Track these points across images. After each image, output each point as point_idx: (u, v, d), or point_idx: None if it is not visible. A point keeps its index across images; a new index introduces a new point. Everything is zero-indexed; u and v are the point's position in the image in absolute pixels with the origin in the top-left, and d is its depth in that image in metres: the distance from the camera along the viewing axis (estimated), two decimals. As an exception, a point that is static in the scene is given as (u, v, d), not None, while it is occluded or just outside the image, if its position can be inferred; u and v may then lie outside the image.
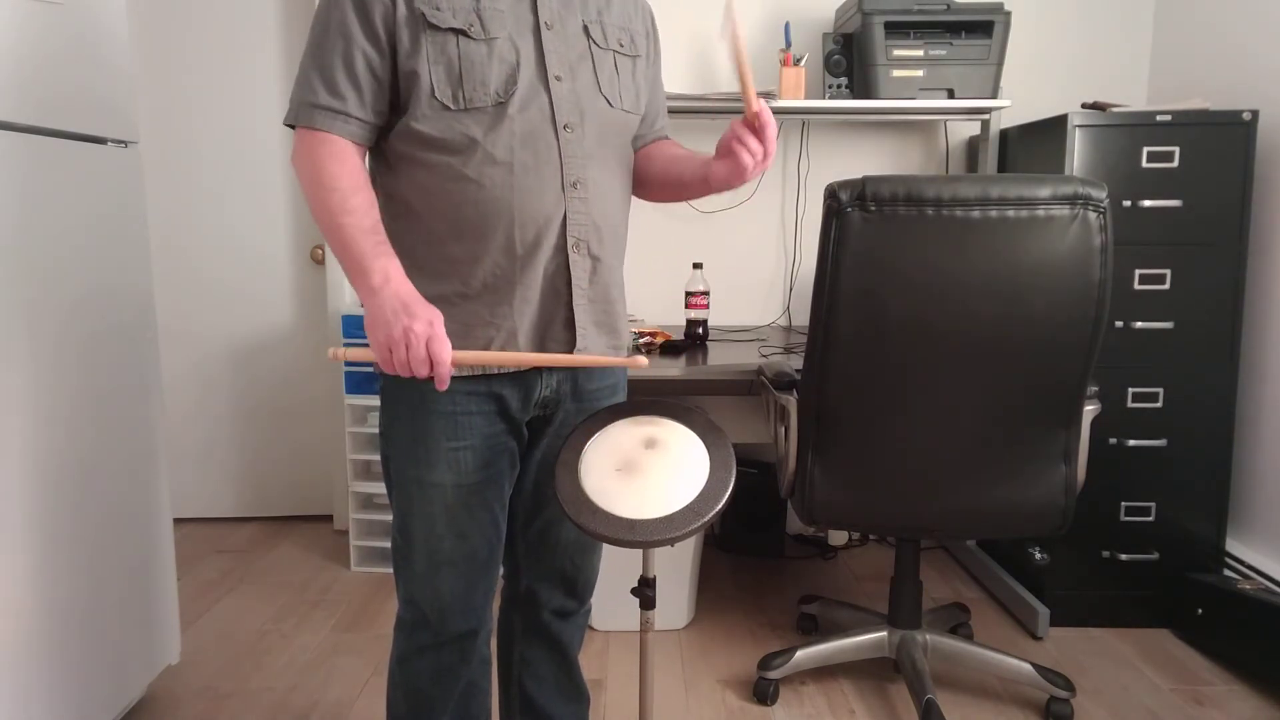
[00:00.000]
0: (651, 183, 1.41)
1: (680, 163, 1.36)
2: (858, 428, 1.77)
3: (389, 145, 1.21)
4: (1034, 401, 1.71)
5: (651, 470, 1.16)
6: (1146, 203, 2.21)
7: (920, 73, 2.53)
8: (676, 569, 2.32)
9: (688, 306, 2.50)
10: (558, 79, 1.20)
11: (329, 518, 3.20)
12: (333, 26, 1.15)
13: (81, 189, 1.70)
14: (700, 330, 2.51)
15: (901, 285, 1.63)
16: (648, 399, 1.30)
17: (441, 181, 1.17)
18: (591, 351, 1.29)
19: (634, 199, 1.42)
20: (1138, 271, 2.23)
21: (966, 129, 2.90)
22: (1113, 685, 2.07)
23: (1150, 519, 2.31)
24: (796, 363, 2.02)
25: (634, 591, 1.31)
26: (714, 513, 1.13)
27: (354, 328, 2.68)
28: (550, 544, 1.39)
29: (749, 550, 2.90)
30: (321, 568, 2.79)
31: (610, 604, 2.25)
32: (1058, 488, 1.78)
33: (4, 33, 1.47)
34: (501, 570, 1.38)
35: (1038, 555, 2.34)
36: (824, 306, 1.68)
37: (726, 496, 1.15)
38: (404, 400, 1.25)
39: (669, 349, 2.35)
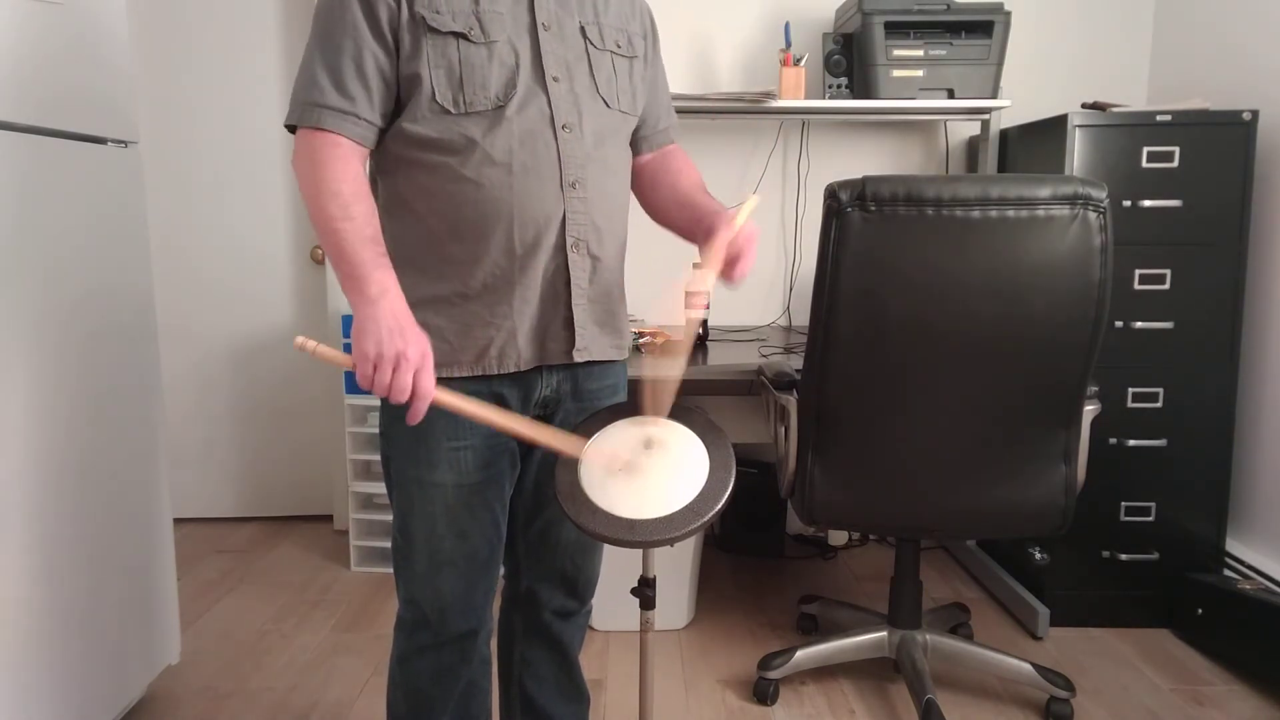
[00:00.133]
0: (654, 214, 1.42)
1: (681, 210, 1.34)
2: (858, 428, 1.77)
3: (386, 147, 1.20)
4: (1034, 401, 1.71)
5: (651, 470, 1.16)
6: (1146, 203, 2.21)
7: (920, 73, 2.53)
8: (676, 569, 2.32)
9: (687, 306, 2.50)
10: (555, 80, 1.19)
11: (329, 518, 3.20)
12: (340, 26, 1.13)
13: (81, 189, 1.70)
14: (700, 330, 2.50)
15: (901, 285, 1.63)
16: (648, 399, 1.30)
17: (441, 182, 1.17)
18: (593, 350, 1.29)
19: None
20: (1138, 271, 2.23)
21: (966, 129, 2.90)
22: (1113, 685, 2.07)
23: (1150, 519, 2.31)
24: (796, 363, 2.02)
25: (634, 591, 1.31)
26: (714, 513, 1.13)
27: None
28: (551, 544, 1.39)
29: (749, 550, 2.90)
30: (321, 568, 2.79)
31: (610, 604, 2.25)
32: (1058, 488, 1.78)
33: (4, 33, 1.47)
34: (502, 570, 1.38)
35: (1038, 555, 2.34)
36: (824, 306, 1.68)
37: (726, 496, 1.15)
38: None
39: (669, 349, 2.35)
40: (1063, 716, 1.91)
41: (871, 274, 1.64)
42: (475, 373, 1.22)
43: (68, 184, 1.65)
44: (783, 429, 1.88)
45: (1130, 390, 2.27)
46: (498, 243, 1.18)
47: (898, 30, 2.49)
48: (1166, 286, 2.24)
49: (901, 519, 1.84)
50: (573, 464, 1.19)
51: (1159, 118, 2.20)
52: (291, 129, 1.17)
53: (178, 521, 3.17)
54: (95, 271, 1.74)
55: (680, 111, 2.73)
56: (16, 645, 1.51)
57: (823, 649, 2.04)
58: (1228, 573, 2.29)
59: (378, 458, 2.68)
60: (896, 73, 2.52)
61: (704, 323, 2.52)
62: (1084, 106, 2.34)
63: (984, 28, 2.49)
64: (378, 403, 1.42)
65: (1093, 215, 1.59)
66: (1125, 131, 2.21)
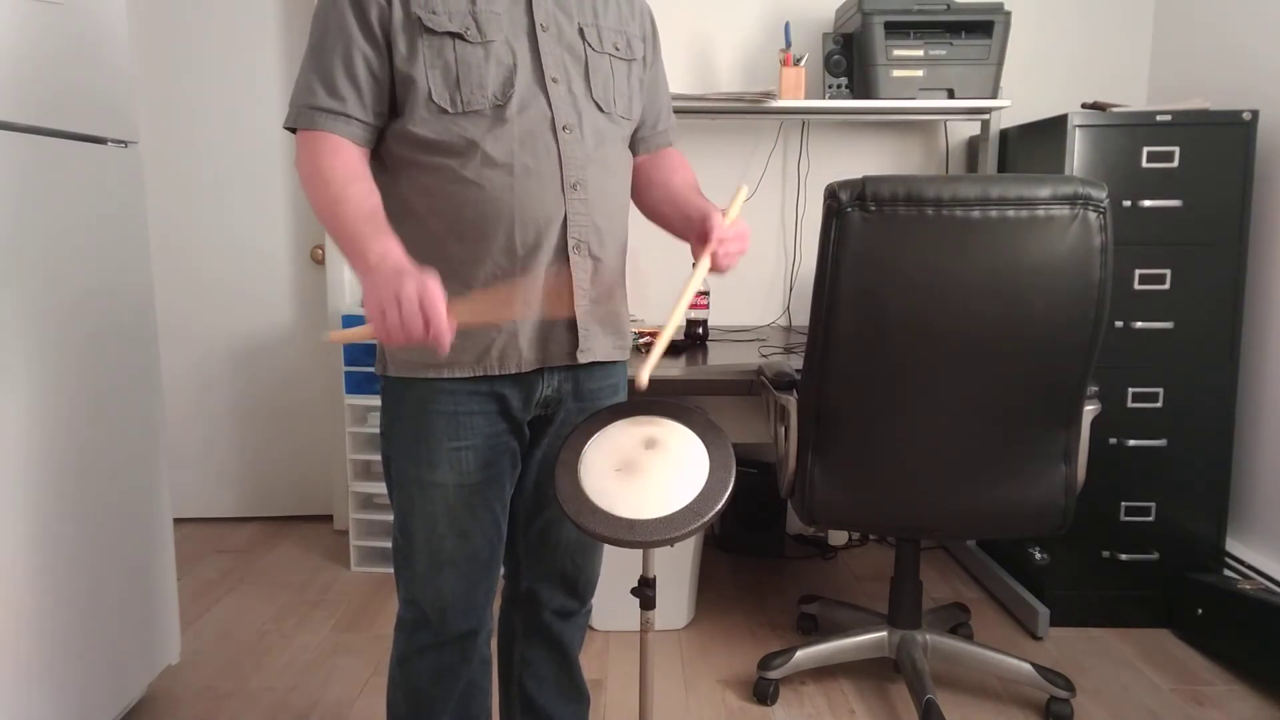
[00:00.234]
0: (646, 210, 1.42)
1: (674, 208, 1.34)
2: (858, 428, 1.77)
3: (387, 148, 1.21)
4: (1034, 401, 1.71)
5: (651, 470, 1.16)
6: (1146, 203, 2.21)
7: (920, 73, 2.53)
8: (676, 569, 2.32)
9: (688, 306, 2.50)
10: (554, 81, 1.20)
11: (329, 518, 3.20)
12: (331, 28, 1.15)
13: (81, 189, 1.70)
14: (700, 330, 2.51)
15: (901, 285, 1.63)
16: (648, 399, 1.30)
17: (442, 183, 1.17)
18: (596, 351, 1.29)
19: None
20: (1138, 271, 2.23)
21: (966, 129, 2.90)
22: (1113, 685, 2.07)
23: (1150, 519, 2.31)
24: (796, 363, 2.02)
25: (634, 591, 1.31)
26: (714, 513, 1.13)
27: (354, 327, 2.67)
28: (551, 544, 1.39)
29: (749, 550, 2.90)
30: (321, 568, 2.79)
31: (610, 604, 2.25)
32: (1058, 488, 1.78)
33: (4, 33, 1.47)
34: (502, 570, 1.38)
35: (1038, 555, 2.34)
36: (824, 306, 1.68)
37: (726, 496, 1.15)
38: (405, 400, 1.25)
39: (669, 349, 2.35)
40: (1063, 716, 1.91)
41: (871, 274, 1.64)
42: (476, 373, 1.22)
43: (68, 184, 1.65)
44: (783, 429, 1.88)
45: (1130, 390, 2.27)
46: (499, 244, 1.18)
47: (898, 30, 2.49)
48: (1166, 286, 2.24)
49: (901, 519, 1.84)
50: (573, 464, 1.19)
51: (1159, 118, 2.20)
52: (293, 131, 1.18)
53: (178, 521, 3.17)
54: (95, 271, 1.74)
55: (680, 111, 2.73)
56: (16, 645, 1.51)
57: (823, 649, 2.04)
58: (1228, 573, 2.29)
59: (378, 458, 2.69)
60: (896, 73, 2.52)
61: (704, 323, 2.52)
62: (1084, 106, 2.34)
63: (984, 28, 2.49)
64: (378, 403, 1.42)
65: (1093, 215, 1.59)
66: (1125, 131, 2.21)
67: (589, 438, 1.23)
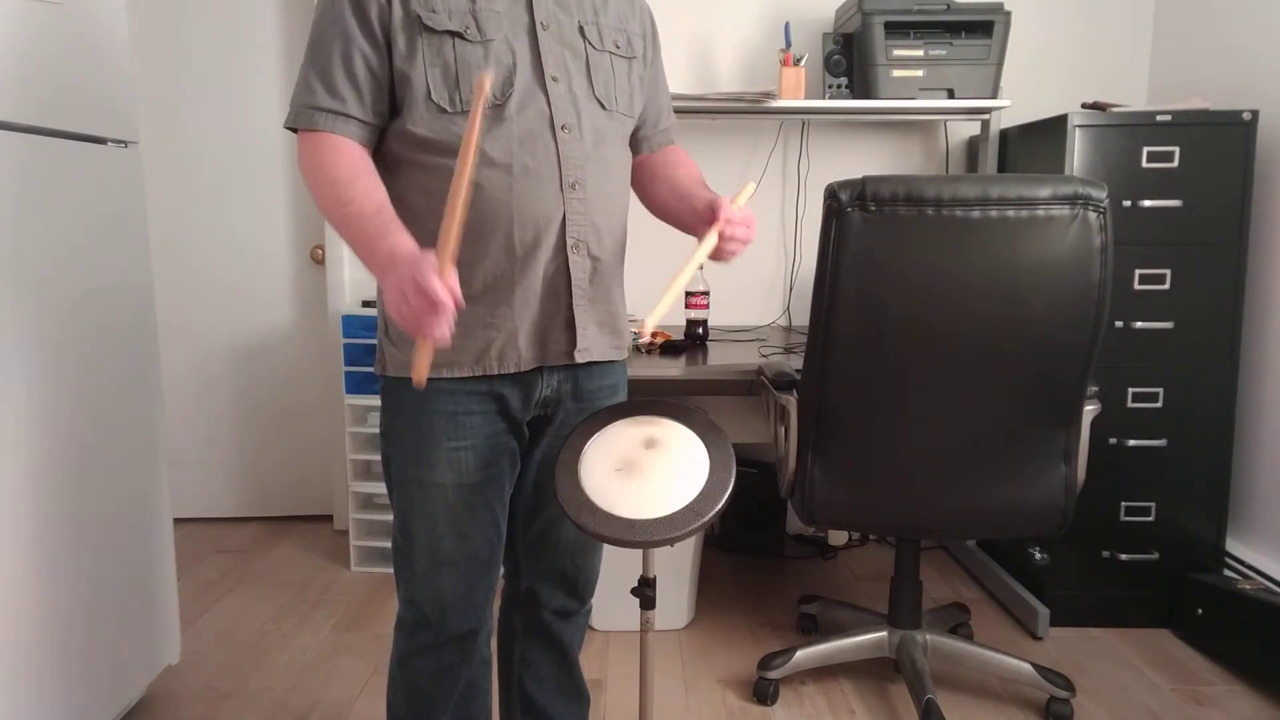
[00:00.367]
0: (652, 206, 1.42)
1: (682, 202, 1.34)
2: (858, 428, 1.77)
3: (387, 147, 1.21)
4: (1034, 401, 1.71)
5: (651, 470, 1.16)
6: (1146, 203, 2.21)
7: (920, 73, 2.53)
8: (676, 569, 2.32)
9: (688, 306, 2.51)
10: (554, 80, 1.20)
11: (329, 518, 3.20)
12: (331, 28, 1.15)
13: (81, 189, 1.70)
14: (700, 330, 2.51)
15: (901, 285, 1.63)
16: (648, 399, 1.30)
17: (440, 183, 1.17)
18: (594, 352, 1.29)
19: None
20: (1138, 271, 2.23)
21: (966, 129, 2.90)
22: (1113, 685, 2.07)
23: (1150, 519, 2.31)
24: (796, 363, 2.02)
25: (634, 591, 1.31)
26: (714, 513, 1.13)
27: (354, 327, 2.68)
28: (551, 544, 1.39)
29: (749, 550, 2.90)
30: (321, 568, 2.79)
31: (610, 604, 2.25)
32: (1058, 488, 1.78)
33: (4, 33, 1.47)
34: (502, 570, 1.38)
35: (1038, 555, 2.34)
36: (824, 306, 1.68)
37: (726, 496, 1.15)
38: (405, 400, 1.25)
39: (669, 349, 2.35)
40: (1063, 716, 1.91)
41: (871, 274, 1.64)
42: (475, 373, 1.22)
43: (68, 184, 1.65)
44: (783, 429, 1.88)
45: (1130, 390, 2.27)
46: (497, 243, 1.18)
47: (898, 30, 2.49)
48: (1166, 286, 2.24)
49: (901, 519, 1.84)
50: (573, 464, 1.19)
51: (1159, 118, 2.20)
52: (294, 131, 1.18)
53: (178, 521, 3.17)
54: (95, 271, 1.74)
55: (680, 111, 2.73)
56: (17, 645, 1.51)
57: (823, 649, 2.04)
58: (1228, 573, 2.29)
59: (378, 458, 2.69)
60: (896, 73, 2.52)
61: (704, 323, 2.52)
62: (1084, 106, 2.34)
63: (984, 28, 2.49)
64: (378, 403, 1.42)
65: (1093, 215, 1.59)
66: (1125, 131, 2.21)
67: (589, 438, 1.23)
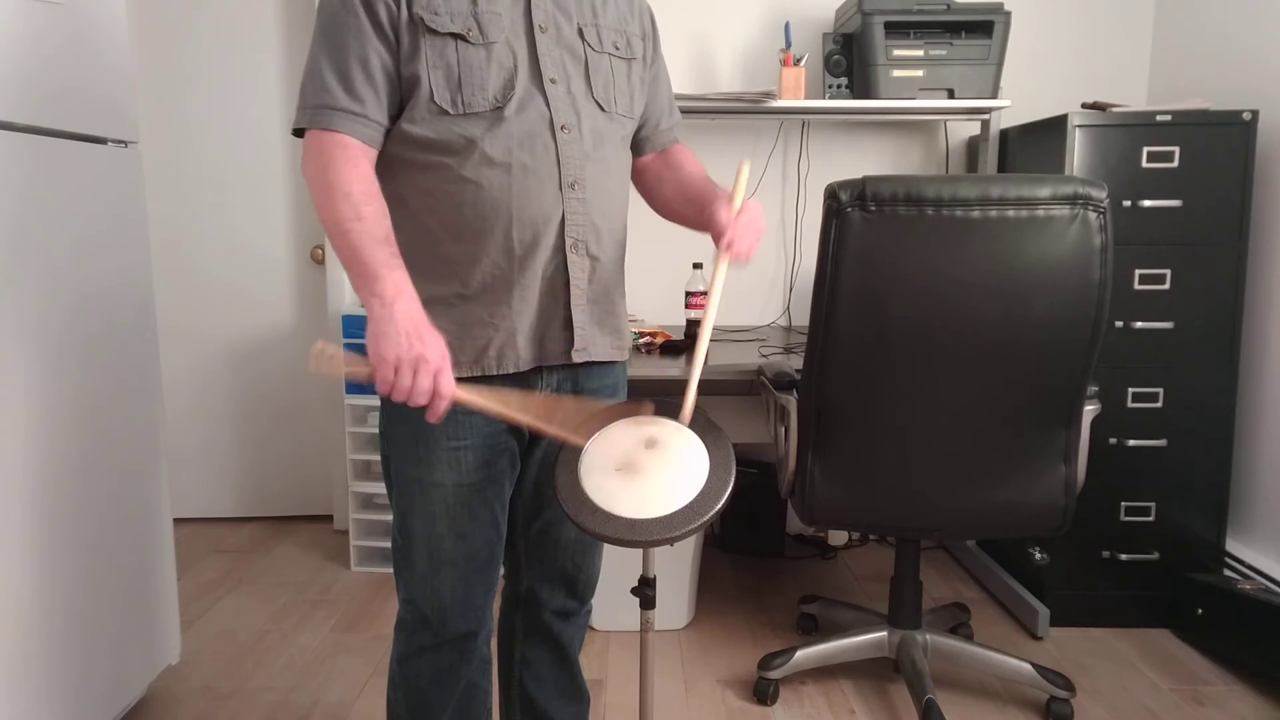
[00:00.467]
0: (660, 205, 1.42)
1: (688, 204, 1.35)
2: (858, 428, 1.77)
3: (385, 147, 1.20)
4: (1034, 401, 1.71)
5: (651, 470, 1.16)
6: (1146, 203, 2.21)
7: (920, 73, 2.53)
8: (676, 569, 2.32)
9: (688, 306, 2.50)
10: (553, 82, 1.19)
11: (329, 518, 3.20)
12: (344, 28, 1.13)
13: (81, 189, 1.70)
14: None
15: (901, 285, 1.63)
16: (647, 399, 1.30)
17: (439, 183, 1.17)
18: (593, 352, 1.29)
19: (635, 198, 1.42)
20: (1138, 271, 2.23)
21: (966, 129, 2.90)
22: (1113, 685, 2.07)
23: (1150, 519, 2.31)
24: (796, 363, 2.02)
25: (634, 591, 1.31)
26: (714, 513, 1.13)
27: (354, 327, 2.68)
28: (551, 544, 1.39)
29: (749, 550, 2.90)
30: (321, 568, 2.79)
31: (610, 604, 2.25)
32: (1058, 488, 1.78)
33: (4, 32, 1.47)
34: (502, 570, 1.38)
35: (1038, 555, 2.34)
36: (824, 306, 1.68)
37: (726, 496, 1.15)
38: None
39: (669, 349, 2.35)
40: (1063, 716, 1.91)
41: (871, 274, 1.64)
42: (474, 373, 1.22)
43: (68, 184, 1.65)
44: (783, 429, 1.88)
45: (1130, 390, 2.27)
46: (496, 243, 1.18)
47: (898, 30, 2.49)
48: (1166, 286, 2.24)
49: (901, 519, 1.84)
50: (573, 464, 1.19)
51: (1159, 118, 2.20)
52: (298, 133, 1.16)
53: (178, 521, 3.17)
54: (95, 272, 1.74)
55: (680, 111, 2.73)
56: (16, 645, 1.51)
57: (823, 649, 2.04)
58: (1228, 573, 2.29)
59: (378, 458, 2.69)
60: (896, 73, 2.52)
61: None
62: (1084, 106, 2.34)
63: (984, 28, 2.49)
64: (378, 402, 1.42)
65: (1093, 215, 1.59)
66: (1125, 131, 2.21)
67: (589, 437, 1.23)
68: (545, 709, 1.48)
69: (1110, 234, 1.60)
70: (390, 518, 1.38)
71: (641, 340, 2.38)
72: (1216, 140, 2.19)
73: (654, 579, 1.30)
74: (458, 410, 1.22)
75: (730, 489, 1.15)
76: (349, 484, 2.71)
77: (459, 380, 1.13)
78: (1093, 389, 1.78)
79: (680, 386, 1.24)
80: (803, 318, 2.90)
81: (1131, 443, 2.28)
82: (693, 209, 1.33)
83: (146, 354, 1.92)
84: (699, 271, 2.49)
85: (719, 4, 2.84)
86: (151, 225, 3.06)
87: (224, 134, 3.02)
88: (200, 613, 2.47)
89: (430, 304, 1.18)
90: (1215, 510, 2.30)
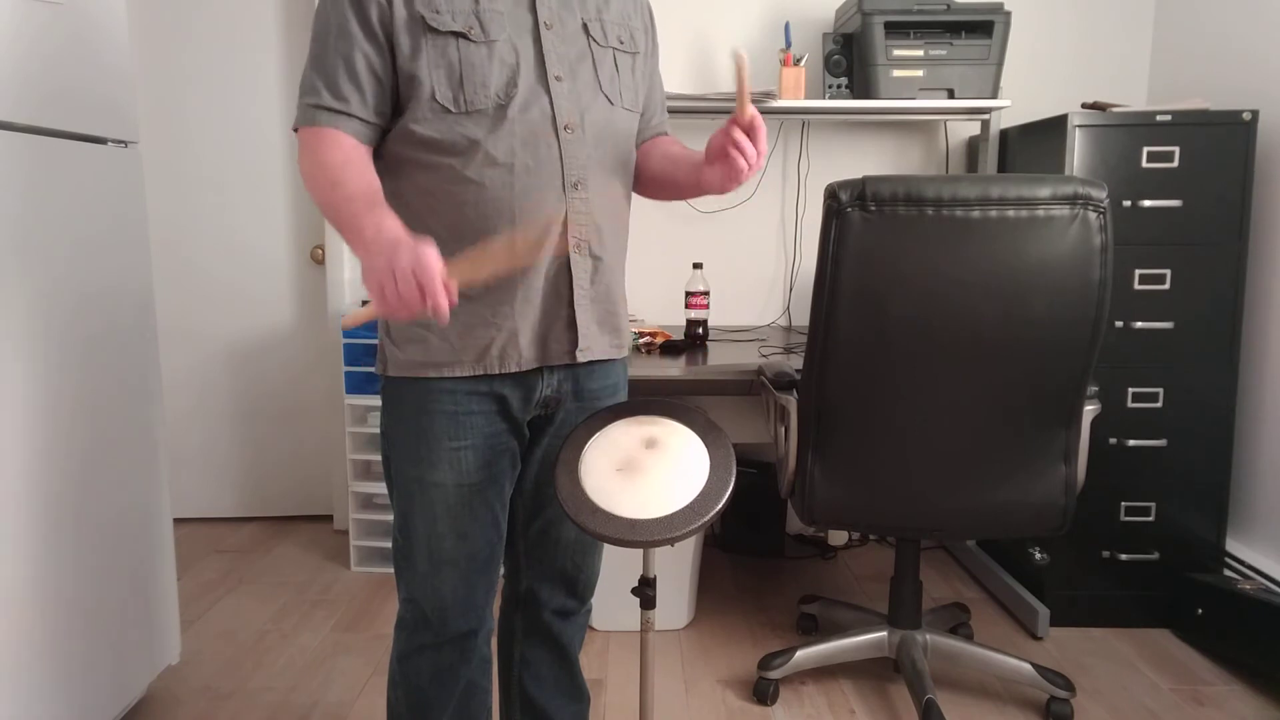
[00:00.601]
0: (647, 181, 1.41)
1: (675, 163, 1.35)
2: (858, 428, 1.77)
3: (388, 148, 1.21)
4: (1034, 401, 1.71)
5: (652, 470, 1.16)
6: (1146, 203, 2.21)
7: (920, 73, 2.53)
8: (676, 569, 2.32)
9: (688, 306, 2.50)
10: (558, 79, 1.20)
11: (329, 518, 3.20)
12: (332, 30, 1.15)
13: (81, 189, 1.70)
14: (700, 330, 2.51)
15: (901, 285, 1.63)
16: (648, 399, 1.30)
17: (442, 183, 1.17)
18: (594, 351, 1.29)
19: (636, 198, 1.42)
20: (1138, 271, 2.23)
21: (966, 129, 2.90)
22: (1113, 685, 2.07)
23: (1150, 519, 2.31)
24: (796, 363, 2.02)
25: (634, 591, 1.31)
26: (714, 513, 1.13)
27: (354, 328, 2.68)
28: (551, 544, 1.39)
29: (749, 550, 2.90)
30: (321, 568, 2.79)
31: (610, 604, 2.25)
32: (1058, 488, 1.78)
33: (4, 33, 1.47)
34: (502, 570, 1.38)
35: (1038, 555, 2.34)
36: (824, 306, 1.68)
37: (726, 496, 1.15)
38: (405, 400, 1.25)
39: (669, 349, 2.35)
40: (1063, 716, 1.91)
41: (871, 274, 1.64)
42: (476, 372, 1.22)
43: (68, 184, 1.65)
44: (783, 429, 1.88)
45: (1130, 390, 2.27)
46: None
47: (898, 30, 2.49)
48: (1166, 286, 2.24)
49: (901, 519, 1.84)
50: (573, 464, 1.19)
51: (1159, 118, 2.20)
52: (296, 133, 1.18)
53: (178, 521, 3.17)
54: (95, 272, 1.74)
55: (680, 111, 2.73)
56: (17, 645, 1.51)
57: (823, 649, 2.04)
58: (1228, 573, 2.30)
59: (378, 458, 2.69)
60: (896, 73, 2.52)
61: (704, 323, 2.52)
62: (1084, 106, 2.34)
63: (984, 28, 2.50)
64: (378, 403, 1.42)
65: (1093, 215, 1.59)
66: (1125, 131, 2.21)
67: (590, 437, 1.23)
68: (545, 708, 1.48)
69: (1110, 234, 1.60)
70: (390, 517, 1.38)
71: (641, 340, 2.38)
72: (1216, 140, 2.20)
73: (654, 579, 1.30)
74: (459, 411, 1.23)
75: (730, 489, 1.15)
76: (349, 484, 2.71)
77: (447, 380, 1.12)
78: (1093, 389, 1.78)
79: (682, 386, 1.24)
80: (803, 318, 2.90)
81: (1131, 443, 2.28)
82: (681, 169, 1.31)
83: (146, 354, 1.92)
84: (699, 271, 2.50)
85: (719, 4, 2.84)
86: (151, 225, 3.06)
87: (224, 134, 3.02)
88: (200, 613, 2.47)
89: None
90: (1215, 510, 2.30)
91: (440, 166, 1.16)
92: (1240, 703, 1.99)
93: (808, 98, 2.69)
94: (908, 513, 1.82)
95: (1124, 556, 2.31)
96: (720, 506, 1.14)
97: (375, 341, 2.64)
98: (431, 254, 0.98)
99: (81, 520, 1.68)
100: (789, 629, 2.37)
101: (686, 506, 1.13)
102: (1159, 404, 2.27)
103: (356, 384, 2.69)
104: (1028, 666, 1.94)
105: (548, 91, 1.19)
